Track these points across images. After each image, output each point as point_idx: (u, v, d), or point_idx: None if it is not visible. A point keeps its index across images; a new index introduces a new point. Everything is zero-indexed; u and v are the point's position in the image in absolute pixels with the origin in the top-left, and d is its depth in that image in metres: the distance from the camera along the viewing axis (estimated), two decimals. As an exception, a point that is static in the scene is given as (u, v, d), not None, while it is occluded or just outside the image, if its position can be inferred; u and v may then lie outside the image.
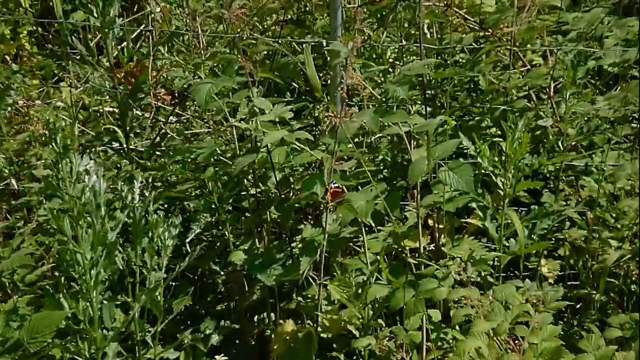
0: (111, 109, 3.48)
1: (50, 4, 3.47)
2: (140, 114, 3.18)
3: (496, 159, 2.29)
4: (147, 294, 1.88)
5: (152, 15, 3.43)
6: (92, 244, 1.74)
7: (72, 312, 1.79)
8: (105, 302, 1.91)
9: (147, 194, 2.00)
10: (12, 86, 2.78)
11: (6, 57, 3.29)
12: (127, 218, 1.94)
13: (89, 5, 2.43)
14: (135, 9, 3.92)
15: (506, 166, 2.28)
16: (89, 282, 1.74)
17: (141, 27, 2.81)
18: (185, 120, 3.29)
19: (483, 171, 2.44)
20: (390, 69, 2.90)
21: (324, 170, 2.17)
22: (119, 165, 3.00)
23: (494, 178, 2.33)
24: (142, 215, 1.94)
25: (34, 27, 3.34)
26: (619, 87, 3.06)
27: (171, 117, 3.18)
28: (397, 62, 2.81)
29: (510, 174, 2.30)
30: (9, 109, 2.80)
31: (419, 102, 2.99)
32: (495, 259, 2.34)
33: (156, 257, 1.94)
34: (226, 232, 2.43)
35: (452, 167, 2.15)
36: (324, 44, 2.62)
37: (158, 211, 1.99)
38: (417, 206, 2.38)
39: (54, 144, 1.61)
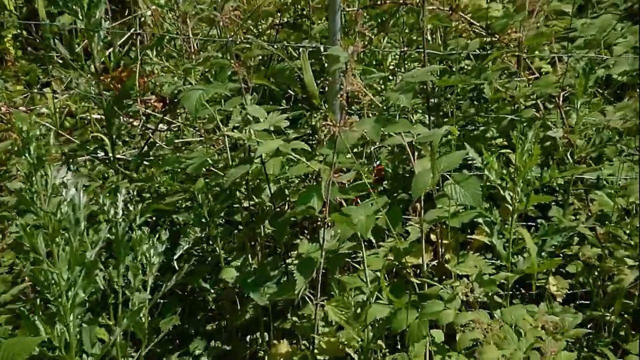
0: (99, 116, 3.34)
1: (36, 6, 3.34)
2: (129, 122, 3.04)
3: (504, 171, 2.16)
4: (130, 316, 1.74)
5: (143, 19, 3.30)
6: (69, 263, 1.60)
7: (48, 337, 1.64)
8: (85, 325, 1.76)
9: (131, 208, 1.86)
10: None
11: (-10, 61, 3.15)
12: (109, 234, 1.80)
13: (74, 7, 2.29)
14: (125, 13, 3.79)
15: (515, 179, 2.15)
16: (65, 305, 1.60)
17: (130, 31, 2.67)
18: (176, 129, 3.16)
19: (489, 184, 2.31)
20: (391, 76, 2.76)
21: (322, 183, 2.03)
22: (106, 175, 2.87)
23: (501, 192, 2.19)
24: (125, 231, 1.80)
25: (19, 31, 3.19)
26: (629, 97, 2.94)
27: (161, 125, 3.04)
28: (399, 70, 2.67)
29: (519, 188, 2.17)
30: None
31: (420, 111, 2.86)
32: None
33: (141, 275, 1.79)
34: (217, 248, 2.29)
35: (459, 180, 2.02)
36: (322, 49, 2.48)
37: (144, 226, 1.84)
38: (421, 221, 2.25)
39: (27, 155, 1.47)
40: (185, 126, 2.76)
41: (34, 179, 1.49)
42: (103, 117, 3.17)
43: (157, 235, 1.87)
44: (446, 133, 2.22)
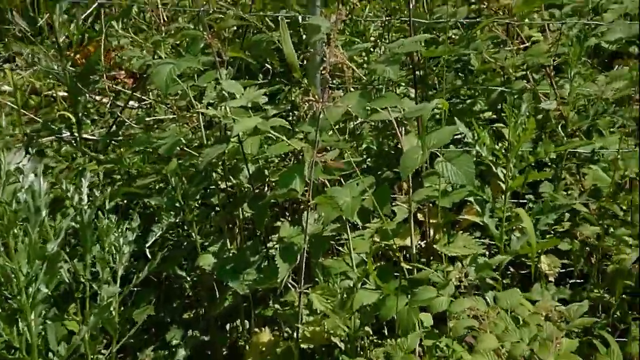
0: (65, 94, 3.16)
1: (-6, -24, 3.13)
2: (96, 99, 2.87)
3: (497, 147, 2.04)
4: (98, 312, 1.60)
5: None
6: (28, 257, 1.45)
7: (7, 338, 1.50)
8: (49, 322, 1.62)
9: (98, 193, 1.71)
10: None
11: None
12: (74, 222, 1.65)
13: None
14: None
15: (508, 155, 2.03)
16: (25, 302, 1.45)
17: (97, 2, 2.49)
18: (147, 106, 2.99)
19: (477, 159, 2.18)
20: (372, 48, 2.62)
21: (304, 163, 1.90)
22: (74, 156, 2.70)
23: (493, 168, 2.07)
24: (91, 219, 1.65)
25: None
26: (619, 65, 2.83)
27: (132, 102, 2.88)
28: (382, 40, 2.53)
29: (512, 164, 2.05)
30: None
31: (404, 84, 2.72)
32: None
33: (109, 268, 1.65)
34: (193, 233, 2.15)
35: (450, 158, 1.89)
36: (301, 19, 2.33)
37: (114, 211, 1.70)
38: (409, 201, 2.12)
39: (-25, 139, 1.32)
40: (157, 103, 2.60)
41: (-15, 165, 1.33)
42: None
43: (127, 222, 1.73)
44: (434, 107, 2.09)
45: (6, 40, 2.54)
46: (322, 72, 1.68)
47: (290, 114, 2.45)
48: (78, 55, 2.32)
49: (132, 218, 1.77)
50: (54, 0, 2.13)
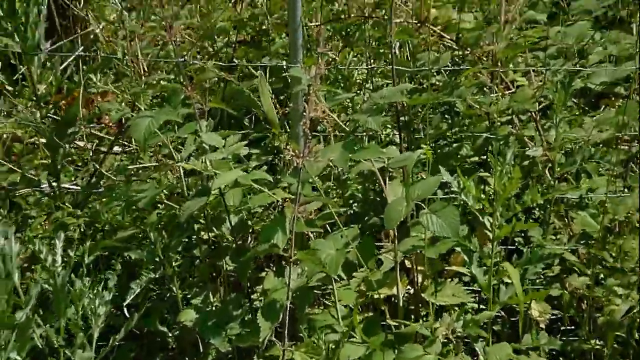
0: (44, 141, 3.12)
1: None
2: (80, 145, 2.82)
3: (483, 196, 2.00)
4: (71, 380, 1.54)
5: (92, 36, 3.10)
6: (-2, 325, 1.40)
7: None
8: (21, 391, 1.56)
9: (72, 254, 1.66)
10: None
11: None
12: (47, 285, 1.60)
13: (9, 28, 2.08)
14: (77, 29, 3.57)
15: (494, 205, 1.99)
16: (-6, 374, 1.40)
17: (77, 51, 2.47)
18: (132, 151, 2.95)
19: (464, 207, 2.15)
20: (357, 91, 2.59)
21: (286, 217, 1.86)
22: (56, 206, 2.64)
23: (480, 217, 2.04)
24: (64, 282, 1.60)
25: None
26: (605, 106, 2.81)
27: (116, 148, 2.83)
28: (365, 85, 2.51)
29: (499, 213, 2.01)
30: None
31: (389, 126, 2.69)
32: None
33: (83, 332, 1.59)
34: (174, 288, 2.10)
35: (435, 210, 1.86)
36: (284, 66, 2.30)
37: (91, 267, 1.65)
38: (395, 251, 2.08)
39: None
40: (141, 150, 2.55)
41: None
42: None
43: (102, 283, 1.68)
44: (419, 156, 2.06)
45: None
46: (302, 125, 1.65)
47: (275, 158, 2.41)
48: (59, 104, 2.28)
49: (108, 278, 1.72)
50: (29, 53, 2.10)
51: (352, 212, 2.56)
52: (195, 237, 2.26)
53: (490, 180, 2.04)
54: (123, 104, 2.06)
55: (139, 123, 1.91)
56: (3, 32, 2.07)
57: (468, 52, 2.28)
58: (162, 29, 2.14)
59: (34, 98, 2.19)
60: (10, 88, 2.23)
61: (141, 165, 2.75)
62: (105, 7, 3.31)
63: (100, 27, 3.06)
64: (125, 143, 2.89)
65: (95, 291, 1.62)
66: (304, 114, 1.64)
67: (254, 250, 1.88)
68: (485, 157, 2.46)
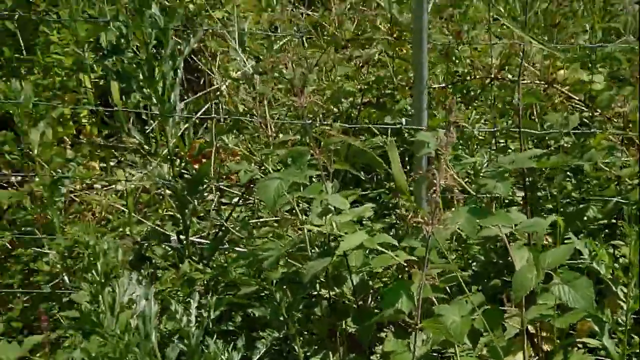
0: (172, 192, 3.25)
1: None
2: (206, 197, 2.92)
3: (616, 265, 1.92)
4: None
5: (218, 92, 3.22)
6: (138, 388, 1.45)
7: None
8: None
9: (204, 314, 1.71)
10: (67, 174, 2.58)
11: (65, 138, 3.11)
12: (182, 344, 1.66)
13: (147, 90, 2.20)
14: (201, 82, 3.73)
15: (629, 274, 1.91)
16: None
17: (203, 108, 2.58)
18: (251, 204, 3.02)
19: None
20: (479, 151, 2.56)
21: (410, 281, 1.85)
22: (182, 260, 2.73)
23: (613, 287, 1.95)
24: (198, 342, 1.65)
25: (94, 108, 3.17)
26: None
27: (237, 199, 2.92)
28: (488, 146, 2.47)
29: (633, 284, 1.92)
30: (63, 199, 2.58)
31: (512, 186, 2.64)
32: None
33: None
34: (296, 347, 2.11)
35: (568, 280, 1.80)
36: (406, 127, 2.31)
37: (216, 323, 1.70)
38: (522, 318, 2.02)
39: (94, 272, 1.34)
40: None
41: (100, 297, 1.36)
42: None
43: (232, 344, 1.72)
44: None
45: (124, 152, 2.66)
46: (432, 194, 1.64)
47: (396, 222, 2.41)
48: (190, 162, 2.38)
49: (236, 337, 1.76)
50: (166, 115, 2.21)
51: (472, 272, 2.52)
52: (315, 294, 2.29)
53: (623, 247, 1.96)
54: (252, 164, 2.12)
55: (268, 185, 1.96)
56: (142, 94, 2.19)
57: (598, 114, 2.22)
58: (289, 92, 2.21)
59: (168, 156, 2.30)
60: (147, 147, 2.34)
61: (262, 220, 2.82)
62: (229, 64, 3.44)
63: (225, 84, 3.19)
64: (248, 197, 2.97)
65: (227, 353, 1.65)
66: (434, 181, 1.63)
67: (380, 316, 1.87)
68: (614, 220, 2.37)
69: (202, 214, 3.05)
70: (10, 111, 2.45)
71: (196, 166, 2.48)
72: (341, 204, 1.98)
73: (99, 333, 1.36)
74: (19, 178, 3.03)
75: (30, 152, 2.51)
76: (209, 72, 3.40)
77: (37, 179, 2.53)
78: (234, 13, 3.55)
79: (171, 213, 3.02)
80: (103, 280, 1.35)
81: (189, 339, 1.63)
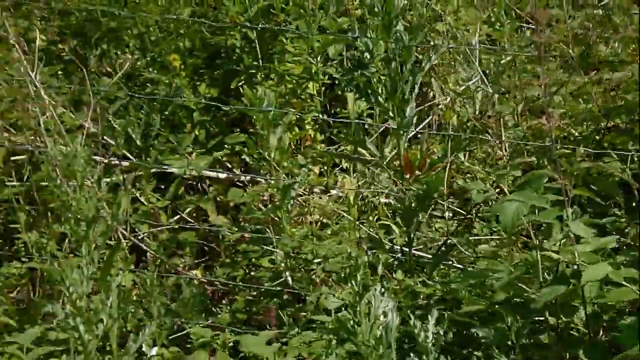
0: (386, 200, 3.31)
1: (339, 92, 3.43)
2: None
3: None
4: None
5: (440, 106, 3.23)
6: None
7: None
8: None
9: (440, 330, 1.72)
10: (298, 179, 2.71)
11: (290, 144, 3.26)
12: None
13: (385, 104, 2.26)
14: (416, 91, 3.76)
15: None
16: None
17: (424, 123, 2.59)
18: (464, 216, 2.99)
19: None
20: None
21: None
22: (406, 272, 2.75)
23: None
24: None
25: (319, 115, 3.30)
26: None
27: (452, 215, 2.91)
28: None
29: None
30: (292, 202, 2.72)
31: None
32: None
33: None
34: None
35: None
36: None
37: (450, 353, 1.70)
38: None
39: (353, 283, 1.40)
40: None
41: (357, 307, 1.41)
42: (391, 202, 3.13)
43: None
44: None
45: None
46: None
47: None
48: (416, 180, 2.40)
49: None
50: (403, 130, 2.25)
51: None
52: (540, 320, 2.22)
53: None
54: (487, 184, 2.11)
55: (506, 207, 1.93)
56: (382, 108, 2.25)
57: None
58: (538, 116, 2.16)
59: (398, 170, 2.34)
60: (378, 157, 2.40)
61: (480, 237, 2.79)
62: (450, 76, 3.43)
63: (447, 99, 3.19)
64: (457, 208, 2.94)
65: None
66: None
67: (623, 356, 1.78)
68: None
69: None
70: (254, 117, 2.62)
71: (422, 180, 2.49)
72: (584, 232, 1.91)
73: (353, 341, 1.42)
74: (248, 177, 3.24)
75: (267, 156, 2.66)
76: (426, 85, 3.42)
77: (272, 182, 2.68)
78: (456, 26, 3.56)
79: (385, 222, 3.07)
80: (361, 292, 1.41)
81: (427, 355, 1.64)
